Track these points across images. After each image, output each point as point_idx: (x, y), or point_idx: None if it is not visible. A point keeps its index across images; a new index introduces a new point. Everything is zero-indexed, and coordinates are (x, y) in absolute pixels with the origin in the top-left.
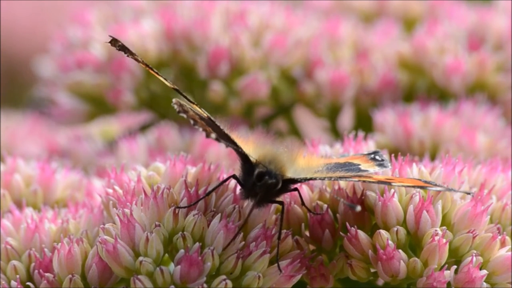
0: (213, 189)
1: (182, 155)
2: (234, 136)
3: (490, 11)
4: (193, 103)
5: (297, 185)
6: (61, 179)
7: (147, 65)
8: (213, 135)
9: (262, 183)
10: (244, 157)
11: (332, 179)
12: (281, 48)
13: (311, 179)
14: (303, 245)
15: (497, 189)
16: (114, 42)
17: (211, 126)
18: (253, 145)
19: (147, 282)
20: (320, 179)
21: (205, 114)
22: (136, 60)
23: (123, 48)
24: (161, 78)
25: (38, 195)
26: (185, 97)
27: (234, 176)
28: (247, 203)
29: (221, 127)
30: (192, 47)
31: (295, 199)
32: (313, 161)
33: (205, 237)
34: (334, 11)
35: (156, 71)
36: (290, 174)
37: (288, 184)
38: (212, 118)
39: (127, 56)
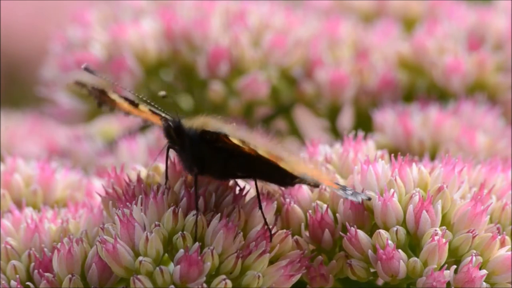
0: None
1: None
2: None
3: (490, 11)
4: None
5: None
6: (61, 179)
7: None
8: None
9: (164, 127)
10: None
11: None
12: (281, 48)
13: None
14: (303, 245)
15: (497, 189)
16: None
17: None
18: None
19: (146, 282)
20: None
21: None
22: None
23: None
24: None
25: (38, 195)
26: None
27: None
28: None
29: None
30: (192, 47)
31: (295, 199)
32: None
33: (205, 237)
34: (334, 11)
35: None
36: None
37: (212, 137)
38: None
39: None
